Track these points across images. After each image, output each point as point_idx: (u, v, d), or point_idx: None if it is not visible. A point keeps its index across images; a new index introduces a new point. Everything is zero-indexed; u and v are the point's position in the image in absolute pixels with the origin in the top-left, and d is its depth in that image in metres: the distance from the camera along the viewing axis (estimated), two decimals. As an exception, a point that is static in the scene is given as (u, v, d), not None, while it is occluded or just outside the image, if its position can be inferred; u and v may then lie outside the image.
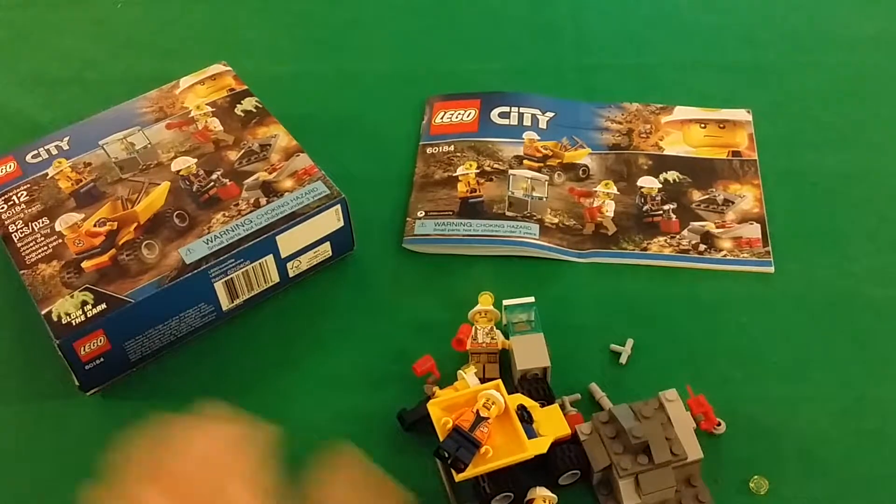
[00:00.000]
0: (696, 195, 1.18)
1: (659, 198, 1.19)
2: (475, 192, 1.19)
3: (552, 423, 0.93)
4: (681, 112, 1.29)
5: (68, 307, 0.97)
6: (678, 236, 1.14)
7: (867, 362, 1.03)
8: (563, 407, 0.97)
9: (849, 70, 1.34)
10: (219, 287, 1.02)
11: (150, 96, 1.18)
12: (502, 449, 0.89)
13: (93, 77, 1.36)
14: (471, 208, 1.17)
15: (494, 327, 1.03)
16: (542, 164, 1.22)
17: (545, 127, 1.27)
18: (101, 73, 1.36)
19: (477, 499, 0.91)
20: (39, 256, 1.02)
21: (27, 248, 1.03)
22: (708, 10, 1.44)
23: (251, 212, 1.04)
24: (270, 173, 1.08)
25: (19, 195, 1.09)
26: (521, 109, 1.29)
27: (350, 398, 1.01)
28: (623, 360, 1.03)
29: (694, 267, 1.11)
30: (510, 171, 1.21)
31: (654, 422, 0.91)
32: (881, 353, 1.04)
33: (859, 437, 0.97)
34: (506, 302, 1.03)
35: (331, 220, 1.06)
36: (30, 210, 1.07)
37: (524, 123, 1.27)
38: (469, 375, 0.95)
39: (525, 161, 1.22)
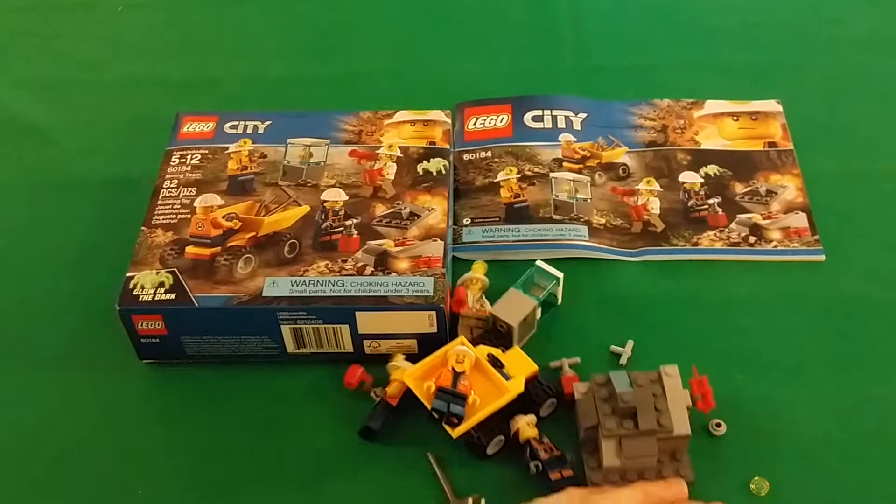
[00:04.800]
0: (739, 188, 1.20)
1: (703, 192, 1.20)
2: (519, 196, 1.20)
3: (519, 364, 0.99)
4: (712, 106, 1.30)
5: (146, 281, 0.99)
6: (727, 230, 1.16)
7: (867, 362, 1.04)
8: (561, 368, 1.02)
9: (847, 70, 1.35)
10: (285, 330, 0.99)
11: (362, 115, 1.17)
12: (486, 396, 0.94)
13: (94, 80, 1.37)
14: (517, 213, 1.18)
15: (483, 296, 1.06)
16: (581, 166, 1.23)
17: (580, 128, 1.28)
18: (102, 76, 1.37)
19: (475, 453, 0.95)
20: (163, 221, 1.05)
21: (161, 209, 1.06)
22: (708, 12, 1.46)
23: (351, 275, 0.99)
24: (396, 245, 1.02)
25: (193, 157, 1.12)
26: (554, 112, 1.30)
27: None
28: (623, 360, 1.05)
29: (746, 259, 1.13)
30: (551, 175, 1.22)
31: (647, 391, 0.92)
32: (881, 353, 1.05)
33: (860, 437, 0.98)
34: (538, 262, 1.06)
35: (422, 321, 0.99)
36: (190, 175, 1.10)
37: (558, 126, 1.28)
38: (399, 360, 0.99)
39: (564, 163, 1.24)
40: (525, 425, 0.95)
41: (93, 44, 1.41)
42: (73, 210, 1.17)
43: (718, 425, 0.97)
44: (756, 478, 0.94)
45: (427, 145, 1.13)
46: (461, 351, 0.95)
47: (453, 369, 0.94)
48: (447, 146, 1.13)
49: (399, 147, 1.12)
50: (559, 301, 1.06)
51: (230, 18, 1.45)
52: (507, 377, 0.96)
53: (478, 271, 1.05)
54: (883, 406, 1.00)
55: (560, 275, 1.04)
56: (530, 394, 0.97)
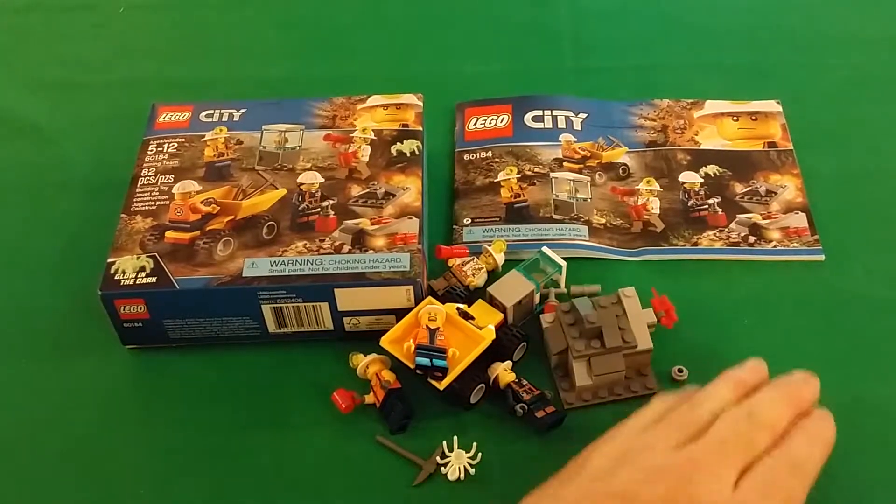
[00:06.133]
0: (739, 188, 1.20)
1: (702, 192, 1.20)
2: (519, 196, 1.19)
3: (486, 314, 1.03)
4: (712, 106, 1.30)
5: (127, 266, 0.99)
6: (727, 229, 1.16)
7: (867, 362, 1.03)
8: (547, 296, 1.07)
9: (847, 71, 1.35)
10: (266, 310, 0.99)
11: (336, 101, 1.16)
12: (463, 347, 0.98)
13: (95, 81, 1.36)
14: (517, 213, 1.18)
15: (486, 271, 1.08)
16: (581, 166, 1.23)
17: (580, 128, 1.27)
18: (104, 77, 1.36)
19: (459, 404, 0.99)
20: (142, 208, 1.05)
21: (140, 196, 1.06)
22: (708, 12, 1.45)
23: (329, 254, 1.00)
24: (373, 224, 1.03)
25: (170, 146, 1.12)
26: (555, 112, 1.29)
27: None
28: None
29: (746, 259, 1.12)
30: (551, 174, 1.21)
31: (609, 311, 0.98)
32: (881, 353, 1.04)
33: (860, 437, 0.96)
34: (544, 248, 1.08)
35: (399, 296, 0.99)
36: (167, 163, 1.10)
37: (559, 126, 1.27)
38: (357, 356, 1.00)
39: (565, 163, 1.23)
40: (503, 371, 0.99)
41: (94, 44, 1.41)
42: (73, 210, 1.18)
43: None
44: (756, 476, 0.93)
45: (400, 128, 1.13)
46: (432, 309, 0.99)
47: (427, 327, 0.97)
48: (419, 128, 1.13)
49: (372, 130, 1.13)
50: (562, 290, 1.06)
51: (231, 19, 1.45)
52: (478, 327, 0.99)
53: (495, 248, 1.08)
54: (883, 406, 0.99)
55: (563, 263, 1.04)
56: (502, 340, 1.01)
